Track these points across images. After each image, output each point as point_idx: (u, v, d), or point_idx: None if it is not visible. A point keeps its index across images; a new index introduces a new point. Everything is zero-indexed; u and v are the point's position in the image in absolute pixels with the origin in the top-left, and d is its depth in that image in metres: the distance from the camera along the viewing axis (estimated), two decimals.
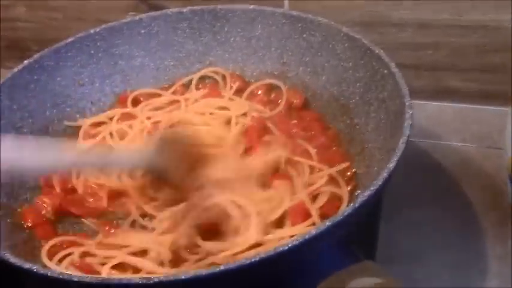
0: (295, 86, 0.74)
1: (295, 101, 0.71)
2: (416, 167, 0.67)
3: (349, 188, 0.59)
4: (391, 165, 0.49)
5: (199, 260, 0.53)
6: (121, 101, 0.74)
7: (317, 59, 0.71)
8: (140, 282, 0.41)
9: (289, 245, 0.42)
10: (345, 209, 0.53)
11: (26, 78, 0.69)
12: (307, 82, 0.73)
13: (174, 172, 0.56)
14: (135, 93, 0.75)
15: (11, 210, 0.60)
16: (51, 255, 0.56)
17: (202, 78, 0.76)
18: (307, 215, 0.55)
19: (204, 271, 0.41)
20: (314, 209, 0.55)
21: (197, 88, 0.75)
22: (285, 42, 0.74)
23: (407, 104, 0.55)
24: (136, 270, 0.54)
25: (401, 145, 0.50)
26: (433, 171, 0.71)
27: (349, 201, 0.57)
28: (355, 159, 0.63)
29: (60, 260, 0.56)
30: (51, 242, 0.57)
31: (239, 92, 0.74)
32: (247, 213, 0.54)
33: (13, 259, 0.45)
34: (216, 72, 0.76)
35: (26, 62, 0.69)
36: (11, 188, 0.62)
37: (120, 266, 0.55)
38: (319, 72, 0.72)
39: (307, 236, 0.42)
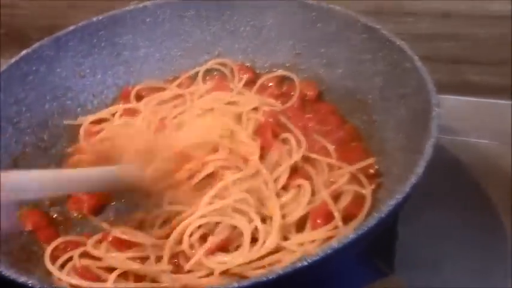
0: (309, 78, 0.70)
1: (308, 93, 0.67)
2: (433, 163, 0.64)
3: (372, 186, 0.55)
4: (419, 170, 0.45)
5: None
6: (124, 96, 0.70)
7: (332, 50, 0.68)
8: None
9: (309, 261, 0.39)
10: (368, 211, 0.50)
11: (24, 70, 0.65)
12: (321, 75, 0.69)
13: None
14: (138, 87, 0.71)
15: None
16: (53, 259, 0.53)
17: (209, 71, 0.72)
18: (329, 217, 0.51)
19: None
20: (337, 210, 0.52)
21: (204, 81, 0.71)
22: (298, 32, 0.70)
23: (433, 101, 0.51)
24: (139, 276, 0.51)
25: (428, 148, 0.47)
26: (450, 168, 0.68)
27: (374, 201, 0.53)
28: (374, 157, 0.59)
29: (63, 265, 0.53)
30: (54, 244, 0.54)
31: (249, 84, 0.70)
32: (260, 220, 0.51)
33: (8, 271, 0.41)
34: (224, 64, 0.72)
35: (23, 52, 0.65)
36: None
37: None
38: (334, 65, 0.68)
39: (328, 251, 0.39)
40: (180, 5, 0.72)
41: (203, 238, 0.52)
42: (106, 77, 0.72)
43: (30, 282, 0.40)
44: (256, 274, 0.48)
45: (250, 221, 0.51)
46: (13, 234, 0.55)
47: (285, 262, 0.49)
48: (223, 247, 0.52)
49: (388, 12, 0.74)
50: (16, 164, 0.62)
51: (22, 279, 0.40)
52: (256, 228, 0.51)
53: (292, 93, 0.68)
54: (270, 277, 0.38)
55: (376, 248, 0.48)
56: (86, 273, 0.52)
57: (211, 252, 0.51)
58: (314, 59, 0.70)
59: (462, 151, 0.69)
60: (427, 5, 0.72)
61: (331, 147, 0.59)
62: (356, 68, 0.65)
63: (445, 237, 0.60)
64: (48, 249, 0.54)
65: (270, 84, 0.70)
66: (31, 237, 0.56)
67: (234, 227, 0.52)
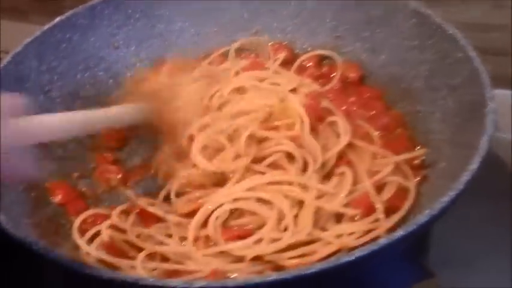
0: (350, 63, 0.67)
1: (350, 76, 0.64)
2: None
3: (417, 178, 0.52)
4: (474, 166, 0.42)
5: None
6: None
7: (377, 35, 0.65)
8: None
9: (353, 256, 0.36)
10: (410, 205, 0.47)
11: (57, 37, 0.63)
12: (363, 60, 0.66)
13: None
14: (169, 65, 0.68)
15: (34, 183, 0.55)
16: (82, 232, 0.52)
17: (242, 50, 0.69)
18: (370, 209, 0.49)
19: (256, 278, 0.36)
20: (379, 202, 0.49)
21: (237, 59, 0.68)
22: (341, 14, 0.67)
23: (487, 95, 0.48)
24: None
25: (484, 144, 0.44)
26: (489, 164, 0.65)
27: (417, 195, 0.50)
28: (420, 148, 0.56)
29: (91, 239, 0.51)
30: (83, 216, 0.53)
31: (285, 64, 0.67)
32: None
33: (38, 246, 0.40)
34: (259, 42, 0.69)
35: (57, 19, 0.63)
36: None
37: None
38: (378, 50, 0.65)
39: (374, 248, 0.37)
40: None
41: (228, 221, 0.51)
42: (140, 50, 0.69)
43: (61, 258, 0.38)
44: (292, 264, 0.46)
45: (286, 208, 0.49)
46: (41, 206, 0.53)
47: (320, 254, 0.47)
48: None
49: None
50: None
51: (51, 255, 0.39)
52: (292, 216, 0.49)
53: (332, 75, 0.65)
54: (310, 271, 0.36)
55: (418, 247, 0.46)
56: (113, 249, 0.50)
57: (238, 238, 0.49)
58: (356, 43, 0.67)
59: (501, 148, 0.66)
60: None
61: (375, 134, 0.56)
62: (402, 55, 0.62)
63: (480, 235, 0.57)
64: (77, 222, 0.52)
65: (309, 64, 0.66)
66: (59, 210, 0.55)
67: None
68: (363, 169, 0.52)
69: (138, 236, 0.51)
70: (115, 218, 0.51)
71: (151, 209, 0.52)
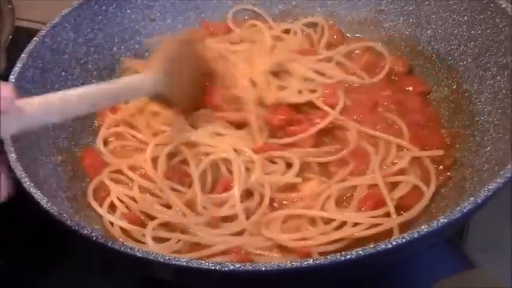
0: (392, 38, 0.64)
1: (397, 68, 0.61)
2: None
3: (441, 178, 0.50)
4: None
5: None
6: None
7: (423, 8, 0.62)
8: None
9: (393, 243, 0.35)
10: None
11: (94, 9, 0.62)
12: (407, 35, 0.63)
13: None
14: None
15: (71, 156, 0.55)
16: (101, 200, 0.52)
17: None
18: (379, 202, 0.48)
19: (293, 264, 0.35)
20: (389, 197, 0.48)
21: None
22: None
23: None
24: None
25: None
26: None
27: (437, 198, 0.49)
28: (460, 134, 0.53)
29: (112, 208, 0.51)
30: (98, 179, 0.53)
31: (334, 46, 0.64)
32: None
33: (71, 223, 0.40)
34: (315, 23, 0.66)
35: None
36: (72, 132, 0.57)
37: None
38: (424, 25, 0.62)
39: (414, 236, 0.35)
40: None
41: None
42: (176, 23, 0.68)
43: (94, 234, 0.38)
44: (294, 245, 0.46)
45: None
46: (76, 180, 0.54)
47: (320, 240, 0.46)
48: None
49: None
50: None
51: (84, 231, 0.38)
52: None
53: (382, 64, 0.61)
54: (348, 257, 0.34)
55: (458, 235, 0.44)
56: (133, 218, 0.50)
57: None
58: (401, 17, 0.64)
59: None
60: None
61: (404, 128, 0.54)
62: (449, 31, 0.59)
63: None
64: (90, 189, 0.52)
65: (357, 51, 0.63)
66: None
67: None
68: (377, 161, 0.51)
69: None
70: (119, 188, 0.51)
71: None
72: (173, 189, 0.50)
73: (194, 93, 0.54)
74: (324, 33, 0.65)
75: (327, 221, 0.48)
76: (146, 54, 0.67)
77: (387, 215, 0.47)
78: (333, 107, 0.55)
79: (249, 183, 0.49)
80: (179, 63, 0.52)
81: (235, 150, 0.52)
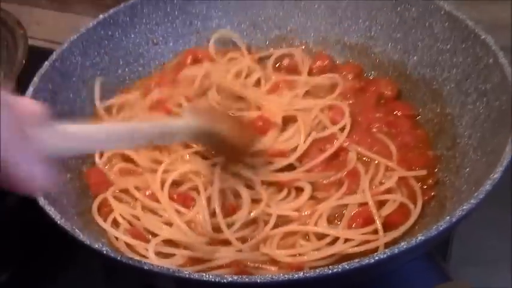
0: (381, 63, 0.68)
1: (386, 92, 0.65)
2: None
3: (426, 197, 0.54)
4: (496, 175, 0.43)
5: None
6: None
7: (410, 36, 0.65)
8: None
9: (375, 258, 0.38)
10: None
11: (100, 34, 0.66)
12: (395, 60, 0.67)
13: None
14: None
15: (79, 173, 0.59)
16: (105, 215, 0.55)
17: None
18: (368, 220, 0.51)
19: (283, 276, 0.38)
20: (377, 216, 0.51)
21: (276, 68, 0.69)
22: (375, 15, 0.67)
23: None
24: None
25: (507, 153, 0.45)
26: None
27: (421, 215, 0.52)
28: (443, 155, 0.57)
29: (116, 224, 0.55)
30: (102, 196, 0.56)
31: (323, 72, 0.68)
32: None
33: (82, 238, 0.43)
34: (294, 53, 0.70)
35: (100, 16, 0.66)
36: None
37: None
38: (411, 52, 0.66)
39: (394, 251, 0.38)
40: None
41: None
42: (177, 46, 0.72)
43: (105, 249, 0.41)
44: (287, 261, 0.49)
45: None
46: (84, 196, 0.57)
47: (314, 256, 0.50)
48: None
49: None
50: None
51: (96, 245, 0.42)
52: None
53: (372, 89, 0.65)
54: (334, 270, 0.38)
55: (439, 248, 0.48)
56: (136, 233, 0.53)
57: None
58: (389, 43, 0.68)
59: None
60: None
61: (393, 149, 0.57)
62: (434, 57, 0.63)
63: (504, 234, 0.58)
64: (94, 207, 0.55)
65: (348, 75, 0.67)
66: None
67: None
68: (367, 181, 0.54)
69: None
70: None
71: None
72: (177, 211, 0.53)
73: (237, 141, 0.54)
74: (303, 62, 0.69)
75: (320, 237, 0.51)
76: (149, 76, 0.71)
77: (375, 231, 0.51)
78: (340, 126, 0.59)
79: (256, 213, 0.52)
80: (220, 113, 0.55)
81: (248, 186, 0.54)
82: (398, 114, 0.62)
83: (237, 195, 0.54)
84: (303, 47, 0.72)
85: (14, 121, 0.31)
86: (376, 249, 0.49)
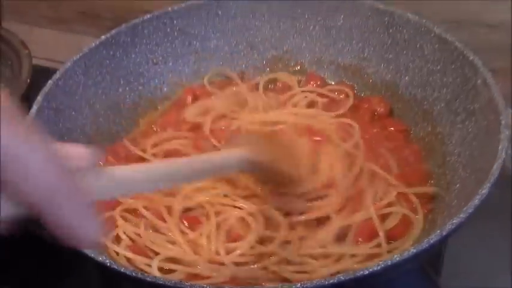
0: (374, 83, 0.70)
1: (379, 109, 0.67)
2: None
3: (425, 211, 0.56)
4: (484, 191, 0.45)
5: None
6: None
7: (401, 57, 0.68)
8: None
9: (369, 270, 0.40)
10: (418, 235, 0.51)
11: (102, 54, 0.68)
12: (387, 81, 0.70)
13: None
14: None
15: None
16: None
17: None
18: (373, 234, 0.53)
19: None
20: (382, 230, 0.53)
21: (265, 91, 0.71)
22: (368, 36, 0.70)
23: (503, 122, 0.51)
24: None
25: (495, 170, 0.47)
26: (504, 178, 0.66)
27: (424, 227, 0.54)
28: (434, 172, 0.59)
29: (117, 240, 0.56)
30: (108, 214, 0.57)
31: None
32: None
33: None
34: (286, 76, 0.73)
35: (102, 37, 0.68)
36: None
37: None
38: (402, 72, 0.68)
39: (387, 264, 0.40)
40: (252, 1, 0.73)
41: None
42: (177, 66, 0.74)
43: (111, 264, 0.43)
44: (296, 278, 0.50)
45: None
46: None
47: (321, 272, 0.50)
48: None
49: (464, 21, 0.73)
50: (90, 142, 0.65)
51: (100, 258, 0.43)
52: None
53: (365, 106, 0.67)
54: (331, 281, 0.40)
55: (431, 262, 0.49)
56: (138, 249, 0.54)
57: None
58: (382, 64, 0.70)
59: None
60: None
61: (393, 164, 0.59)
62: (424, 78, 0.65)
63: (495, 249, 0.59)
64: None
65: (341, 96, 0.69)
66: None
67: None
68: (371, 196, 0.55)
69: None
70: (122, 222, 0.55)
71: None
72: (181, 231, 0.54)
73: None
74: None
75: (327, 255, 0.52)
76: (148, 94, 0.73)
77: (379, 245, 0.52)
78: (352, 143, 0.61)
79: (260, 250, 0.53)
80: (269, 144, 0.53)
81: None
82: (392, 130, 0.64)
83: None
84: (298, 67, 0.74)
85: (61, 168, 0.29)
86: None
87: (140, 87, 0.72)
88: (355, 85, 0.71)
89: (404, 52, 0.67)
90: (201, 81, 0.73)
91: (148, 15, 0.71)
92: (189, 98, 0.71)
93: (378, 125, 0.65)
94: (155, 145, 0.64)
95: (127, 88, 0.71)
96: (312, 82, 0.71)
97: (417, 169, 0.59)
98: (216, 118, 0.66)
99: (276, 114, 0.66)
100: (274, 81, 0.73)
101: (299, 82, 0.72)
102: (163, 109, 0.72)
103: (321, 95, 0.69)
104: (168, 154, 0.63)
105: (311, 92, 0.69)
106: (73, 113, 0.64)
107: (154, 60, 0.73)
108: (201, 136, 0.64)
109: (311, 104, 0.68)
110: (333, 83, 0.72)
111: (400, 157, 0.60)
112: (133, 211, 0.58)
